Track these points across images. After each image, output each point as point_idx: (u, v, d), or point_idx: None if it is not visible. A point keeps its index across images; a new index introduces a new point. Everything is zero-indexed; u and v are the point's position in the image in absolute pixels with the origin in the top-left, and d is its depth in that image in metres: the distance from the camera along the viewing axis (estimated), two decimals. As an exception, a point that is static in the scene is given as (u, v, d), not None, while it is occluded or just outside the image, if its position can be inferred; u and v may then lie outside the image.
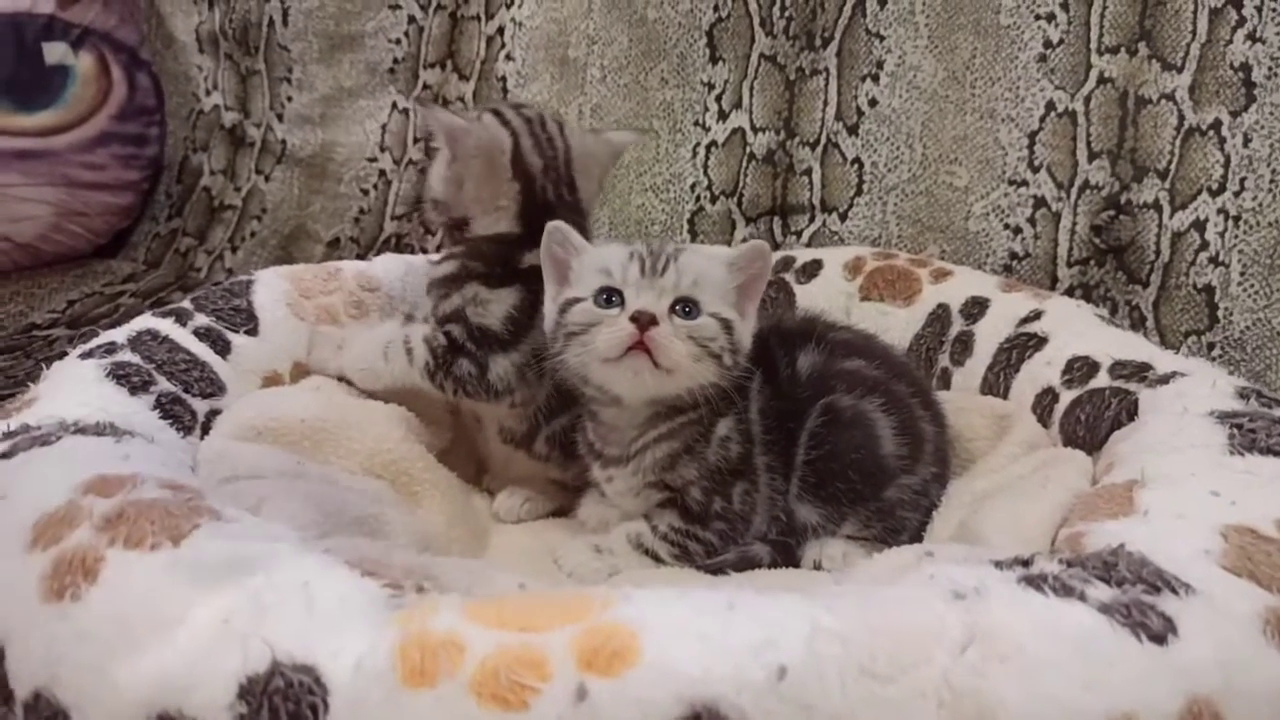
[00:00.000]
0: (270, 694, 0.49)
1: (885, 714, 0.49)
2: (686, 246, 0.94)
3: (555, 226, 0.94)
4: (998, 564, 0.61)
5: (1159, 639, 0.54)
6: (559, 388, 0.98)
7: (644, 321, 0.84)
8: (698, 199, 1.62)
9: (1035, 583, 0.57)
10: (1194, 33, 1.30)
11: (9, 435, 0.74)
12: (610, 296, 0.88)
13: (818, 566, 0.90)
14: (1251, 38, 1.27)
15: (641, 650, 0.50)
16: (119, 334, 0.98)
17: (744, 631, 0.51)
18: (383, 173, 1.90)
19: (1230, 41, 1.28)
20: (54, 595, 0.55)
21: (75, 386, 0.87)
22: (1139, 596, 0.57)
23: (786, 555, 0.91)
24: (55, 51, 1.94)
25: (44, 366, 0.92)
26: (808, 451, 0.89)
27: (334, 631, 0.52)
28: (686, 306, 0.87)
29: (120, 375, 0.90)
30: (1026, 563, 0.61)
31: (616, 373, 0.87)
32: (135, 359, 0.94)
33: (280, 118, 1.98)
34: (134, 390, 0.90)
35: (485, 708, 0.48)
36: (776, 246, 1.55)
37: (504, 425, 1.05)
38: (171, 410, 0.92)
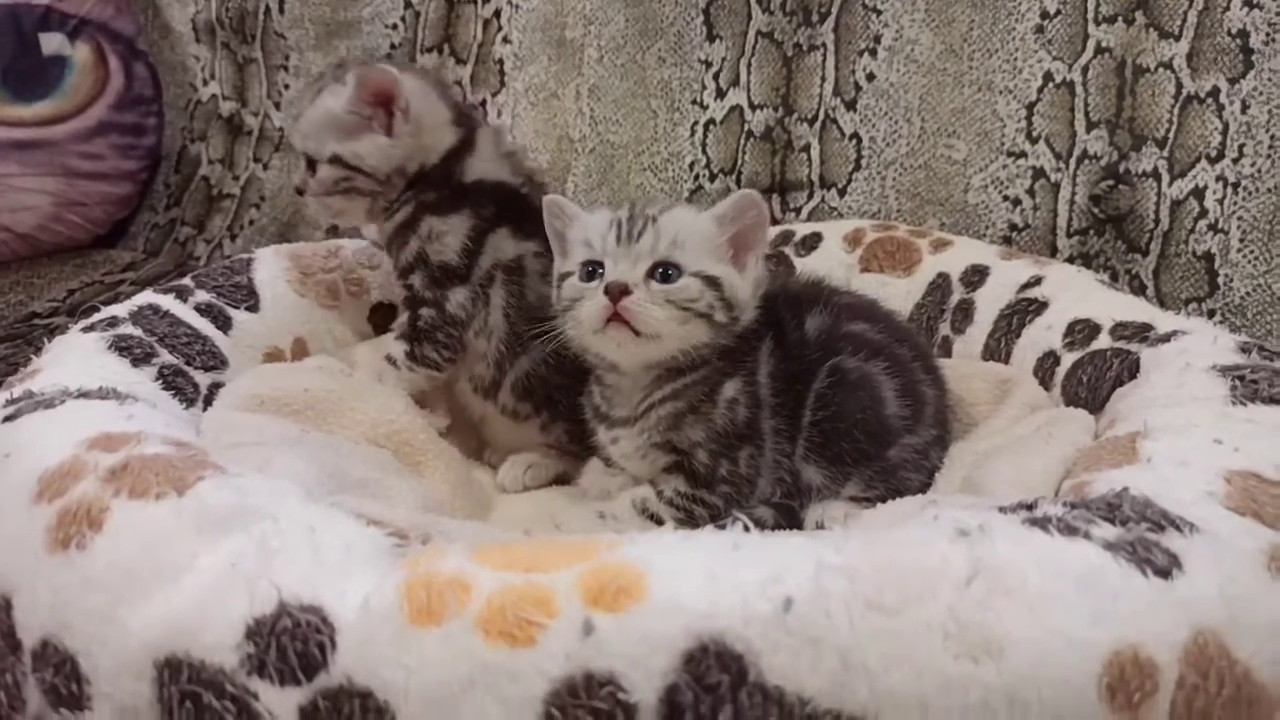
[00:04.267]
0: (278, 634, 0.49)
1: (892, 646, 0.49)
2: (673, 205, 0.92)
3: (551, 200, 0.96)
4: (1001, 509, 0.62)
5: (1164, 573, 0.54)
6: (514, 328, 1.03)
7: (615, 292, 0.84)
8: (696, 177, 1.62)
9: (1040, 523, 0.57)
10: (1191, 0, 1.30)
11: (12, 401, 0.74)
12: (593, 269, 0.89)
13: (820, 528, 0.90)
14: (1249, 4, 1.26)
15: (648, 587, 0.50)
16: (120, 309, 0.99)
17: (750, 568, 0.51)
18: (381, 158, 1.89)
19: (1227, 9, 1.28)
20: (60, 545, 0.55)
21: (78, 358, 0.87)
22: (1143, 534, 0.57)
23: (790, 518, 0.91)
24: (52, 42, 1.94)
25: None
26: (814, 413, 0.89)
27: (341, 573, 0.52)
28: (666, 269, 0.87)
29: (122, 347, 0.91)
30: (1030, 506, 0.61)
31: (604, 342, 0.88)
32: (137, 332, 0.95)
33: (277, 106, 1.98)
34: (136, 362, 0.90)
35: (492, 644, 0.48)
36: (776, 223, 1.55)
37: (473, 373, 1.07)
38: (174, 382, 0.92)
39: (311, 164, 1.06)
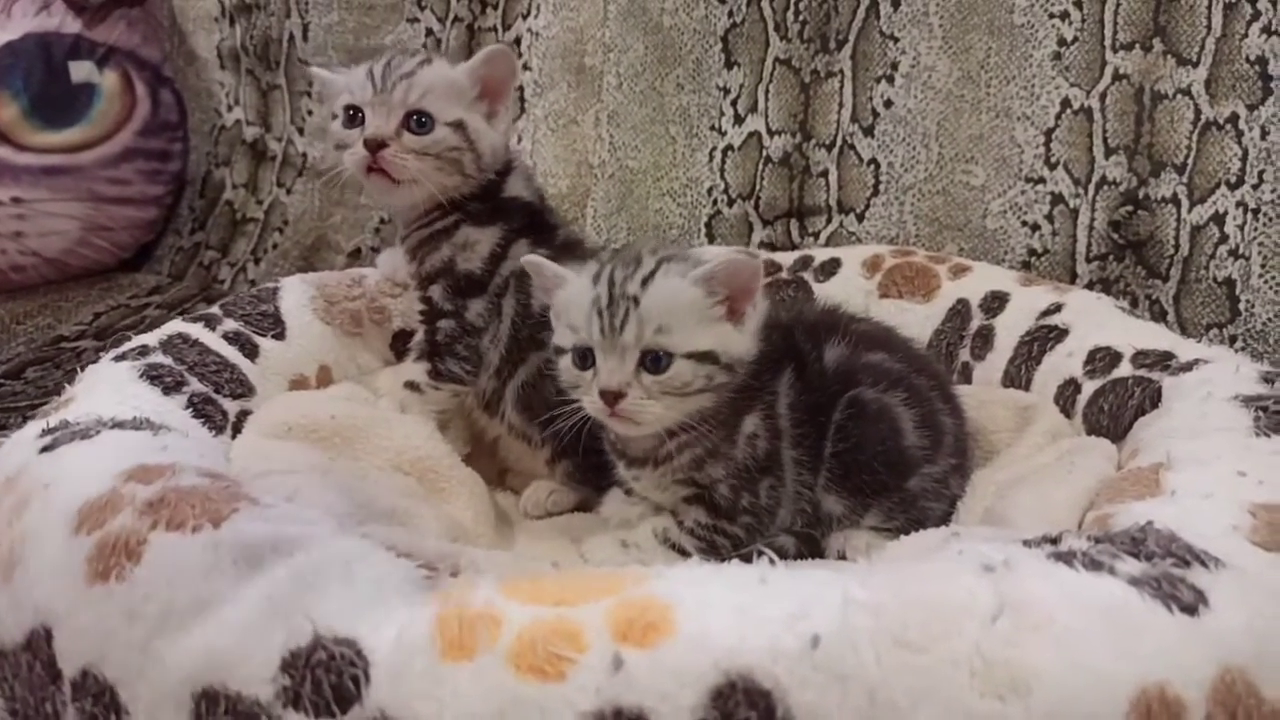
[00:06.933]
0: (313, 666, 0.50)
1: (918, 683, 0.49)
2: (656, 269, 0.85)
3: (530, 260, 0.92)
4: (1025, 542, 0.62)
5: (1190, 610, 0.54)
6: (516, 334, 1.05)
7: (610, 400, 0.83)
8: (715, 203, 1.63)
9: (1064, 558, 0.57)
10: (1209, 27, 1.31)
11: (49, 431, 0.76)
12: (585, 354, 0.86)
13: (842, 557, 0.90)
14: (1267, 30, 1.27)
15: (676, 621, 0.51)
16: (150, 338, 1.01)
17: (778, 603, 0.52)
18: (402, 183, 1.92)
19: (1245, 35, 1.29)
20: (99, 577, 0.56)
21: (110, 387, 0.89)
22: (1169, 570, 0.57)
23: (811, 547, 0.92)
24: (81, 70, 1.98)
25: (78, 372, 0.94)
26: (834, 444, 0.89)
27: (374, 606, 0.53)
28: (655, 357, 0.83)
29: (153, 376, 0.92)
30: (1054, 540, 0.62)
31: (610, 424, 0.87)
32: (167, 361, 0.96)
33: (301, 131, 2.01)
34: (167, 390, 0.92)
35: (523, 678, 0.49)
36: (794, 248, 1.56)
37: (479, 385, 1.08)
38: (203, 410, 0.94)
39: (421, 122, 1.02)
